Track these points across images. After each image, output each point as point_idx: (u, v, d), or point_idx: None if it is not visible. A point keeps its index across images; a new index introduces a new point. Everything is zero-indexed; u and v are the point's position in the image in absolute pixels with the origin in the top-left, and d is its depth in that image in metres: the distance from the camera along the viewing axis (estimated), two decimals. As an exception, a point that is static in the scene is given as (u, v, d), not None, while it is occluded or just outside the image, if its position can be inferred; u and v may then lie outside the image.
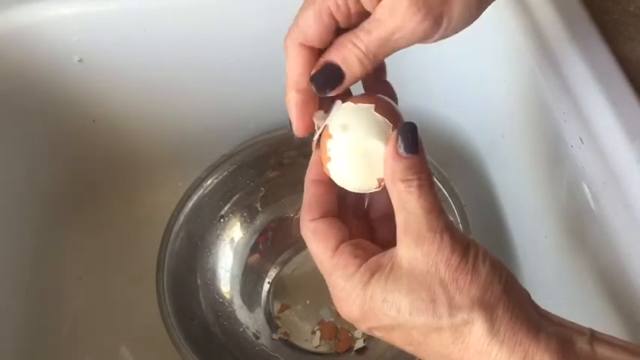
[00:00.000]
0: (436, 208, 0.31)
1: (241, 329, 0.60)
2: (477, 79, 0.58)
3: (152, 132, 0.64)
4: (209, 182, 0.61)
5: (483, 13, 0.33)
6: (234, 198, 0.64)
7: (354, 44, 0.32)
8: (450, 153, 0.65)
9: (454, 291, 0.29)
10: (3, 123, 0.55)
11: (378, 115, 0.33)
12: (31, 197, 0.59)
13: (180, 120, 0.64)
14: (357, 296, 0.31)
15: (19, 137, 0.57)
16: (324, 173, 0.34)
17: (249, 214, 0.65)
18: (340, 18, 0.32)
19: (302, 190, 0.35)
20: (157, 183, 0.68)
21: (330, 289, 0.33)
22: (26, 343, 0.54)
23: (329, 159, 0.33)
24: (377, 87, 0.36)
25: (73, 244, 0.63)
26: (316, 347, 0.60)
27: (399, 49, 0.32)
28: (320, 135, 0.34)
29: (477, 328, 0.29)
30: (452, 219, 0.57)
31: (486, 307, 0.29)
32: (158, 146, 0.66)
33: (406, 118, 0.37)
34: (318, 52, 0.34)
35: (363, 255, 0.32)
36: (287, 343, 0.60)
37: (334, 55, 0.32)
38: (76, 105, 0.59)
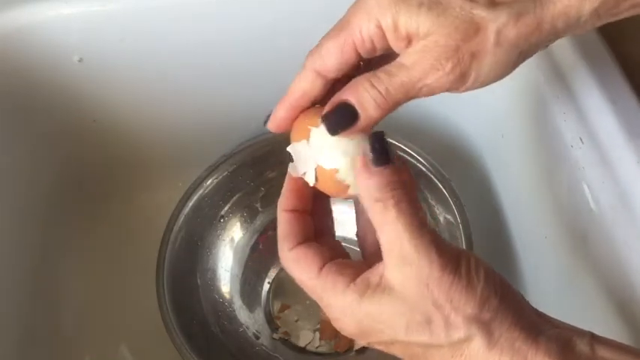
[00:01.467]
0: (417, 224, 0.29)
1: (241, 329, 0.60)
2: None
3: (152, 132, 0.64)
4: (209, 182, 0.61)
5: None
6: (234, 198, 0.64)
7: (373, 85, 0.31)
8: (450, 153, 0.65)
9: (449, 311, 0.29)
10: (3, 123, 0.55)
11: None
12: (31, 197, 0.59)
13: (180, 120, 0.64)
14: (353, 313, 0.30)
15: (19, 137, 0.57)
16: (298, 202, 0.34)
17: (249, 214, 0.65)
18: (364, 53, 0.32)
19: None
20: (157, 183, 0.68)
21: (325, 311, 0.32)
22: (26, 342, 0.54)
23: (348, 187, 0.32)
24: None
25: (72, 244, 0.63)
26: (316, 347, 0.60)
27: (420, 97, 0.31)
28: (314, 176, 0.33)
29: (475, 344, 0.29)
30: (452, 219, 0.57)
31: (484, 323, 0.28)
32: (158, 146, 0.66)
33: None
34: (332, 81, 0.33)
35: (350, 271, 0.31)
36: (287, 343, 0.60)
37: (350, 94, 0.31)
38: (76, 105, 0.59)
